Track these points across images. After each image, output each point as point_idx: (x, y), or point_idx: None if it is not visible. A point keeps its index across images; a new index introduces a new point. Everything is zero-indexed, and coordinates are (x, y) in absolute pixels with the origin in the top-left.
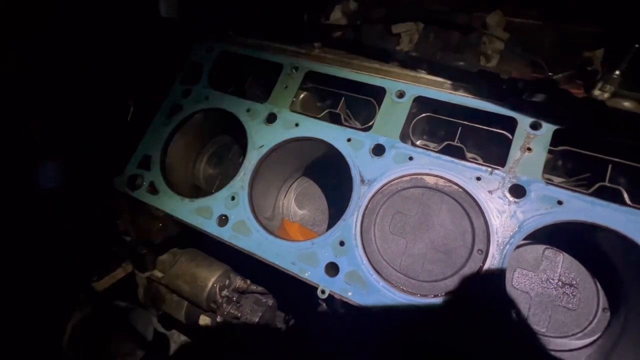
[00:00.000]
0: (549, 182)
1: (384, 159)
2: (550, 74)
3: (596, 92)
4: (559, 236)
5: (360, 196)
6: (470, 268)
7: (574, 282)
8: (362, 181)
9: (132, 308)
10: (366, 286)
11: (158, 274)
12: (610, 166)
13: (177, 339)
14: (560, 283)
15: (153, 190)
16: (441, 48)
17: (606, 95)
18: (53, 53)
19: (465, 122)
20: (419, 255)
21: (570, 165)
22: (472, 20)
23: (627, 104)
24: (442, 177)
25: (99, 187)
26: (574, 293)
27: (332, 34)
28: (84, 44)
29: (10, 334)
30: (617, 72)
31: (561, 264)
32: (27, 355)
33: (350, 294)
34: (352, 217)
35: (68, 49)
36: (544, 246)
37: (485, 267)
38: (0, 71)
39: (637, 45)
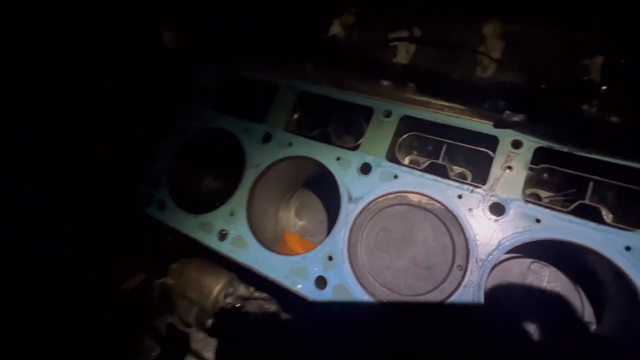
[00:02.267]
0: (528, 200)
1: (371, 178)
2: (543, 86)
3: (584, 107)
4: (544, 251)
5: (348, 213)
6: (450, 283)
7: (559, 297)
8: (350, 199)
9: (148, 311)
10: (352, 299)
11: (170, 280)
12: (591, 184)
13: (196, 336)
14: (546, 297)
15: (162, 206)
16: (438, 58)
17: (594, 109)
18: (72, 82)
19: (450, 141)
20: (402, 270)
21: (556, 181)
22: (469, 30)
23: (614, 119)
24: (425, 195)
25: (115, 203)
26: (559, 306)
27: (328, 51)
28: (97, 73)
29: (30, 333)
30: (604, 87)
31: (547, 278)
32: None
33: (337, 306)
34: (340, 233)
35: (84, 79)
36: (531, 260)
37: (464, 282)
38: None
39: (622, 61)
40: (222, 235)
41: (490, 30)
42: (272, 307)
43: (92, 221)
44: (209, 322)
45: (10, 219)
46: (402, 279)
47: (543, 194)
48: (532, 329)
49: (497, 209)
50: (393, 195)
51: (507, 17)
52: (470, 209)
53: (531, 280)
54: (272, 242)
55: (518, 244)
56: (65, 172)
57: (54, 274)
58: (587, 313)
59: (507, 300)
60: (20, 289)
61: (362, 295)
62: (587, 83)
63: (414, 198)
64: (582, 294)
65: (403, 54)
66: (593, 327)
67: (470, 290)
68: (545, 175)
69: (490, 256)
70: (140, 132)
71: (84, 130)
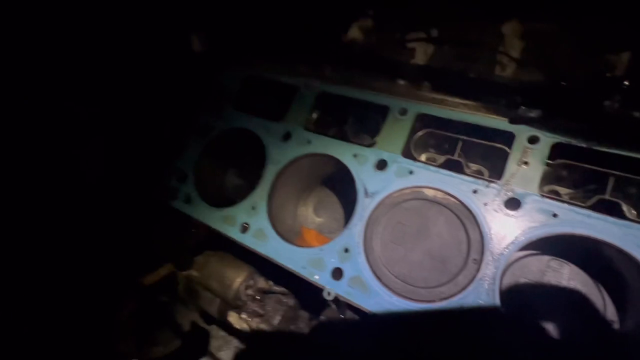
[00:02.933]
0: (545, 195)
1: (387, 173)
2: (563, 83)
3: (606, 102)
4: (563, 248)
5: (364, 208)
6: (464, 276)
7: (579, 294)
8: (366, 194)
9: (172, 302)
10: (367, 290)
11: (194, 273)
12: (611, 179)
13: (216, 333)
14: (565, 294)
15: (188, 200)
16: (456, 58)
17: (616, 105)
18: (110, 87)
19: (465, 138)
20: (417, 263)
21: (575, 177)
22: (488, 29)
23: (637, 114)
24: (440, 190)
25: (143, 197)
26: (578, 304)
27: (347, 53)
28: (132, 76)
29: (65, 325)
30: (626, 83)
31: (567, 275)
32: (80, 342)
33: (353, 296)
34: (357, 226)
35: (121, 82)
36: (549, 257)
37: (479, 275)
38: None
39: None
40: (244, 228)
41: (510, 30)
42: (290, 301)
43: (121, 214)
44: (229, 314)
45: (38, 211)
46: (417, 271)
47: (562, 190)
48: (551, 327)
49: (513, 204)
50: (408, 191)
51: (527, 17)
52: (485, 204)
53: (550, 277)
54: (291, 236)
55: (534, 238)
56: (95, 168)
57: (80, 266)
58: (609, 311)
59: (526, 298)
60: (44, 281)
61: (377, 287)
62: (609, 79)
63: (429, 193)
64: (604, 291)
65: (421, 54)
66: (616, 325)
67: (485, 283)
68: (564, 172)
69: (506, 250)
70: (167, 130)
71: (116, 128)
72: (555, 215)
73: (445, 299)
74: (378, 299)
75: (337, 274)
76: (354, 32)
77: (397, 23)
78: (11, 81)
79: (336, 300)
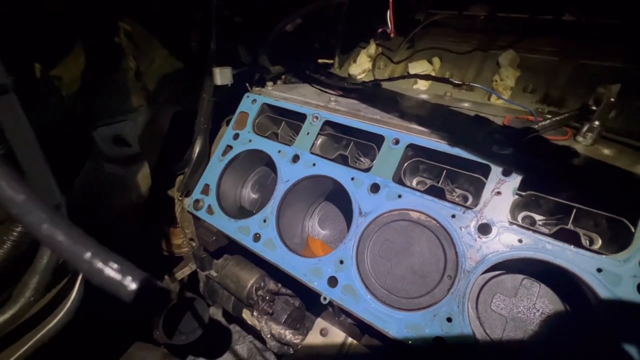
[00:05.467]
0: (513, 222)
1: (379, 196)
2: (547, 117)
3: (579, 139)
4: (533, 268)
5: (358, 225)
6: (440, 290)
7: (547, 311)
8: (360, 213)
9: (195, 298)
10: (357, 297)
11: (214, 273)
12: (574, 211)
13: (233, 328)
14: (535, 310)
15: (210, 211)
16: (456, 85)
17: (589, 141)
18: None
19: (449, 167)
20: (401, 276)
21: (546, 206)
22: (486, 59)
23: (606, 152)
24: (424, 213)
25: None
26: (546, 320)
27: (351, 86)
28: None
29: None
30: (597, 123)
31: (537, 294)
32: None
33: (344, 302)
34: (351, 241)
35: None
36: (523, 276)
37: (452, 290)
38: None
39: (612, 99)
40: (256, 238)
41: (507, 60)
42: (296, 302)
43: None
44: (242, 311)
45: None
46: (400, 283)
47: (537, 217)
48: (519, 338)
49: (485, 229)
50: (396, 212)
51: (526, 47)
52: (461, 227)
53: (522, 294)
54: (299, 246)
55: (502, 260)
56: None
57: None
58: (571, 328)
59: (500, 311)
60: None
61: (365, 295)
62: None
63: (414, 215)
64: (569, 309)
65: (423, 81)
66: (576, 342)
67: (456, 297)
68: (539, 201)
69: (477, 269)
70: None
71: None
72: (520, 241)
73: (422, 308)
74: (366, 306)
75: (333, 282)
76: (362, 58)
77: (403, 48)
78: None
79: (331, 304)
